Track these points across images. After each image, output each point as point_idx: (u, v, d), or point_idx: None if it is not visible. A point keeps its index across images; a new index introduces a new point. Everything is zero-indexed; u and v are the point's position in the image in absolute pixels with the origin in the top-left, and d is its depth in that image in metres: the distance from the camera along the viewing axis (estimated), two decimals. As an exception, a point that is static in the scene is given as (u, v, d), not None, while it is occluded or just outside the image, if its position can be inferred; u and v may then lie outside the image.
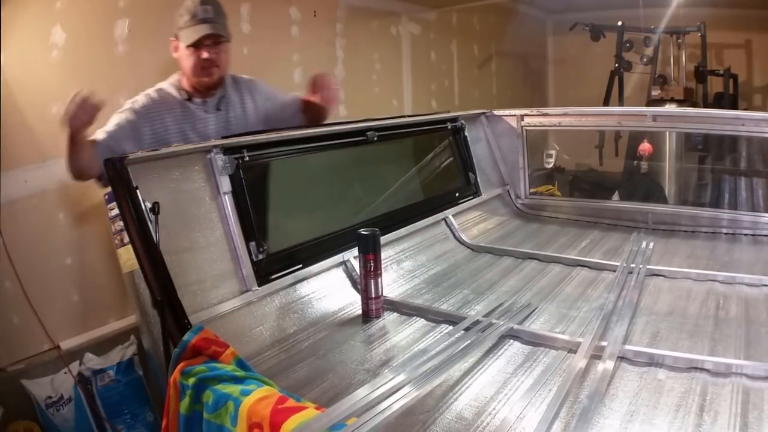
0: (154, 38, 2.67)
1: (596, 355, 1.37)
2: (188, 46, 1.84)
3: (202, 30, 1.83)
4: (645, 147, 4.41)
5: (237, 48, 3.33)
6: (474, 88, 5.65)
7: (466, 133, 2.76)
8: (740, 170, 3.95)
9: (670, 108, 4.39)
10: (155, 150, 1.50)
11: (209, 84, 1.92)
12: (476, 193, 2.75)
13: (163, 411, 1.21)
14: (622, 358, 1.37)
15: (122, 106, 1.91)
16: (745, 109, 5.36)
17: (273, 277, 1.66)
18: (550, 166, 4.27)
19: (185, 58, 1.88)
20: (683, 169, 4.50)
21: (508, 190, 2.99)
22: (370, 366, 1.37)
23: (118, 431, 2.18)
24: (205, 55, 1.85)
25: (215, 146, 1.59)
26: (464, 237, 2.42)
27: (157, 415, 2.14)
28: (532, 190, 3.04)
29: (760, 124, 2.40)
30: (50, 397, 2.22)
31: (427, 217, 2.35)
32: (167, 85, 1.96)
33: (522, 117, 2.91)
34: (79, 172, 1.78)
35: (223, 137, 1.71)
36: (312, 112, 2.15)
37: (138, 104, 1.89)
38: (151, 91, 1.93)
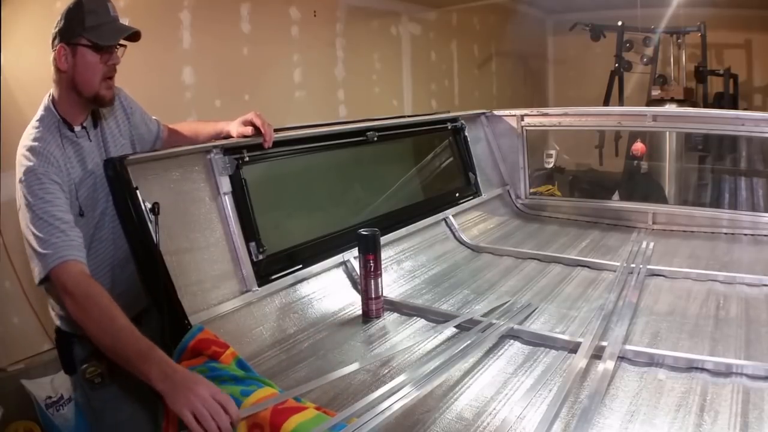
0: (153, 39, 2.67)
1: (596, 355, 1.37)
2: (104, 49, 1.43)
3: (128, 29, 1.46)
4: (638, 147, 4.42)
5: (237, 48, 3.35)
6: (474, 88, 5.65)
7: (466, 133, 2.76)
8: (740, 170, 3.95)
9: (670, 108, 4.39)
10: (155, 150, 1.50)
11: (108, 101, 1.49)
12: (476, 193, 2.75)
13: (162, 411, 1.21)
14: (622, 358, 1.37)
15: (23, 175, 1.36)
16: (745, 109, 5.36)
17: (273, 277, 1.66)
18: (550, 166, 4.27)
19: (90, 66, 1.42)
20: (683, 169, 4.50)
21: (508, 190, 2.99)
22: (370, 366, 1.37)
23: (118, 431, 2.17)
24: (114, 61, 1.46)
25: (215, 146, 1.59)
26: (464, 237, 2.42)
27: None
28: (532, 190, 3.04)
29: (760, 124, 2.40)
30: (50, 397, 2.22)
31: (428, 217, 2.35)
32: (42, 114, 1.45)
33: (522, 117, 2.91)
34: None
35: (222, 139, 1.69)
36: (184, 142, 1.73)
37: (37, 164, 1.36)
38: (30, 137, 1.41)
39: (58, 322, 1.54)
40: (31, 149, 1.38)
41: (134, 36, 1.48)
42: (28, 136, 1.42)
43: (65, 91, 1.45)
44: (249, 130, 1.67)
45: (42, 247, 1.28)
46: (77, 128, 1.48)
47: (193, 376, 1.09)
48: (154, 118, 1.75)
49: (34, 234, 1.30)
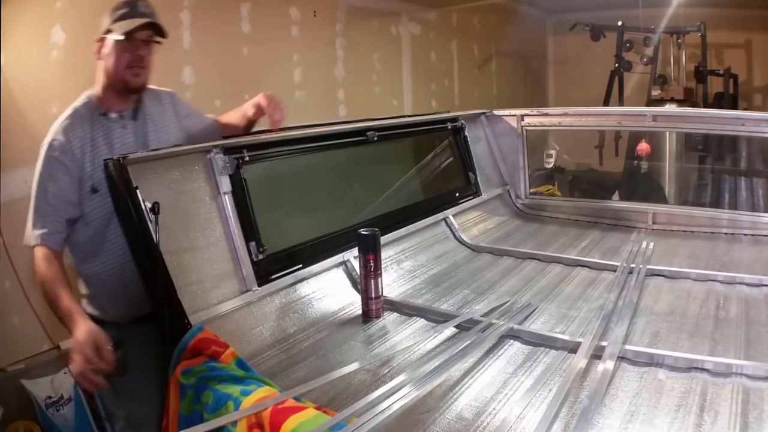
0: (154, 38, 2.67)
1: (596, 355, 1.37)
2: (123, 37, 1.61)
3: (142, 20, 1.63)
4: (643, 147, 4.42)
5: (237, 48, 3.35)
6: (474, 88, 5.66)
7: (466, 133, 2.76)
8: (740, 170, 3.95)
9: (670, 108, 4.39)
10: (155, 150, 1.50)
11: (133, 86, 1.68)
12: (476, 193, 2.75)
13: (163, 411, 1.21)
14: (622, 358, 1.37)
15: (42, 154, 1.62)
16: (745, 109, 5.36)
17: (273, 277, 1.66)
18: (550, 166, 4.27)
19: (113, 55, 1.63)
20: (683, 169, 4.50)
21: (508, 190, 2.99)
22: (370, 366, 1.37)
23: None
24: (139, 51, 1.64)
25: (215, 146, 1.59)
26: (464, 237, 2.42)
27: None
28: (532, 190, 3.04)
29: (760, 124, 2.40)
30: (50, 397, 2.22)
31: (427, 217, 2.35)
32: (83, 101, 1.69)
33: (522, 117, 2.91)
34: None
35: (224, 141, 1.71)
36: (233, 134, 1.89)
37: (57, 142, 1.61)
38: (62, 118, 1.65)
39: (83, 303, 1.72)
40: (55, 131, 1.61)
41: (153, 29, 1.66)
42: (60, 117, 1.64)
43: (103, 79, 1.67)
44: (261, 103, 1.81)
45: (32, 221, 1.60)
46: (113, 115, 1.68)
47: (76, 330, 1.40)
48: (209, 116, 1.95)
49: (32, 204, 1.60)
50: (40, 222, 1.59)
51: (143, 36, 1.65)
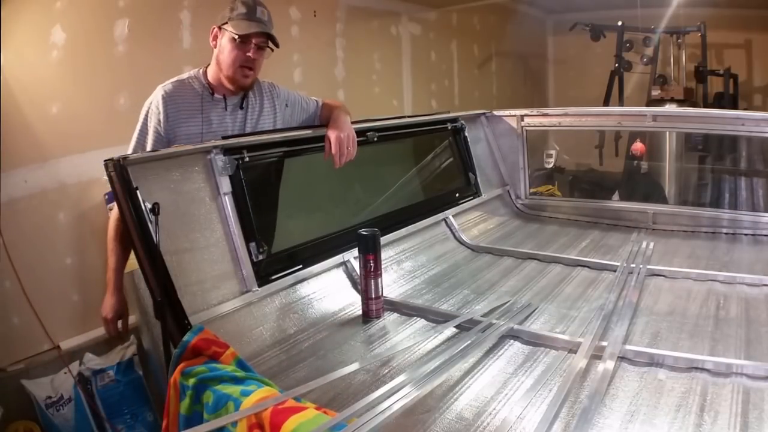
0: (153, 38, 2.67)
1: (596, 355, 1.37)
2: (237, 38, 1.73)
3: (259, 27, 1.74)
4: (637, 146, 4.42)
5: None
6: (474, 88, 5.65)
7: (466, 134, 2.76)
8: (740, 170, 3.95)
9: (670, 108, 4.39)
10: (155, 150, 1.50)
11: (241, 86, 1.82)
12: (476, 193, 2.75)
13: (163, 411, 1.21)
14: (622, 358, 1.37)
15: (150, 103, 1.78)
16: (745, 109, 5.36)
17: (273, 277, 1.66)
18: (550, 166, 4.27)
19: (227, 50, 1.77)
20: (683, 169, 4.50)
21: (508, 191, 2.99)
22: (370, 366, 1.37)
23: (118, 431, 2.17)
24: (251, 53, 1.76)
25: (215, 147, 1.59)
26: (464, 237, 2.42)
27: (157, 415, 2.14)
28: (532, 190, 3.04)
29: (760, 124, 2.40)
30: (50, 397, 2.21)
31: (428, 217, 2.35)
32: (192, 74, 1.85)
33: (522, 117, 2.91)
34: None
35: (224, 137, 1.71)
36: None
37: (159, 107, 1.76)
38: (174, 80, 1.82)
39: None
40: (156, 99, 1.76)
41: (266, 38, 1.77)
42: (162, 84, 1.79)
43: (215, 64, 1.82)
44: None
45: None
46: (217, 96, 1.82)
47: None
48: (314, 99, 2.07)
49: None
50: None
51: (258, 41, 1.76)
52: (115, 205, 1.58)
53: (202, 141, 1.71)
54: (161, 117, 1.74)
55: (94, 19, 2.36)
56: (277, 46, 1.82)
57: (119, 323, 1.76)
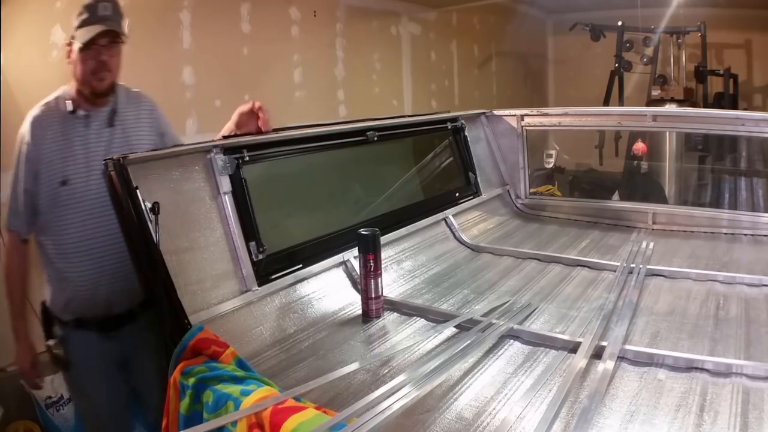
0: (153, 39, 2.68)
1: (596, 355, 1.37)
2: (82, 47, 1.64)
3: (102, 26, 1.64)
4: (638, 147, 4.42)
5: (237, 48, 3.35)
6: (474, 88, 5.66)
7: (466, 133, 2.76)
8: (740, 170, 3.96)
9: (670, 108, 4.39)
10: (155, 150, 1.50)
11: (99, 90, 1.72)
12: (476, 193, 2.75)
13: (163, 411, 1.21)
14: (622, 358, 1.37)
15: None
16: (745, 109, 5.37)
17: (273, 277, 1.66)
18: (550, 166, 4.27)
19: (78, 61, 1.67)
20: (683, 169, 4.51)
21: (508, 190, 2.99)
22: (370, 366, 1.37)
23: (118, 431, 2.17)
24: (101, 57, 1.66)
25: (215, 146, 1.59)
26: (464, 237, 2.42)
27: (157, 415, 2.14)
28: (532, 190, 3.04)
29: (760, 124, 2.39)
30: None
31: (427, 217, 2.35)
32: (59, 93, 1.75)
33: (522, 117, 2.91)
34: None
35: (224, 137, 1.71)
36: None
37: (27, 133, 1.70)
38: (42, 103, 1.74)
39: None
40: (25, 126, 1.71)
41: (111, 35, 1.67)
42: (32, 110, 1.73)
43: (73, 82, 1.73)
44: (246, 105, 1.78)
45: (8, 207, 1.74)
46: (80, 112, 1.72)
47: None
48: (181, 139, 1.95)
49: (10, 188, 1.73)
50: (11, 205, 1.73)
51: (104, 42, 1.66)
52: (8, 233, 1.73)
53: (65, 167, 1.67)
54: (30, 146, 1.68)
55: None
56: (125, 36, 1.72)
57: (36, 367, 1.81)
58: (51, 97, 1.74)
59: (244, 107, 1.78)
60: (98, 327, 1.75)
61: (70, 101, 1.71)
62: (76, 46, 1.65)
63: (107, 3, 1.67)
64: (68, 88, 1.75)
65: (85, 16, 1.65)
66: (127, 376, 1.85)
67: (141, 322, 1.75)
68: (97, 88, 1.70)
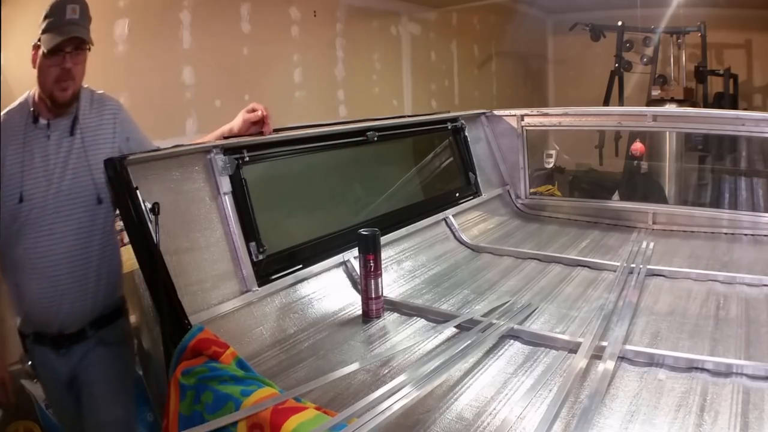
0: (153, 39, 2.68)
1: (596, 355, 1.37)
2: (46, 54, 1.53)
3: (69, 32, 1.54)
4: (637, 146, 4.43)
5: (237, 48, 3.35)
6: (474, 88, 5.66)
7: (466, 133, 2.76)
8: (740, 170, 3.96)
9: (670, 108, 4.39)
10: (155, 150, 1.50)
11: (61, 102, 1.60)
12: (476, 193, 2.75)
13: (163, 411, 1.21)
14: (622, 358, 1.37)
15: None
16: (745, 109, 5.37)
17: (273, 277, 1.66)
18: (550, 166, 4.27)
19: (42, 68, 1.57)
20: (683, 169, 4.51)
21: (508, 190, 2.99)
22: (370, 366, 1.37)
23: (118, 431, 2.17)
24: (65, 64, 1.56)
25: (215, 146, 1.59)
26: (464, 237, 2.42)
27: (157, 415, 2.14)
28: (532, 190, 3.04)
29: (760, 124, 2.40)
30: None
31: (428, 217, 2.35)
32: (24, 98, 1.65)
33: (522, 117, 2.91)
34: None
35: (225, 137, 1.71)
36: None
37: None
38: (8, 108, 1.64)
39: None
40: None
41: (76, 41, 1.56)
42: None
43: (36, 88, 1.62)
44: (255, 115, 1.72)
45: None
46: (41, 121, 1.61)
47: None
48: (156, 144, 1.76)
49: None
50: None
51: (69, 48, 1.55)
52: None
53: (23, 182, 1.56)
54: None
55: (94, 19, 2.34)
56: (91, 43, 1.61)
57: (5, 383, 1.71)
58: (15, 104, 1.63)
59: (253, 116, 1.72)
60: (52, 343, 1.68)
61: (32, 110, 1.60)
62: (41, 51, 1.54)
63: (75, 5, 1.56)
64: (31, 93, 1.64)
65: (51, 19, 1.54)
66: (76, 392, 1.75)
67: (91, 341, 1.68)
68: (58, 98, 1.59)
